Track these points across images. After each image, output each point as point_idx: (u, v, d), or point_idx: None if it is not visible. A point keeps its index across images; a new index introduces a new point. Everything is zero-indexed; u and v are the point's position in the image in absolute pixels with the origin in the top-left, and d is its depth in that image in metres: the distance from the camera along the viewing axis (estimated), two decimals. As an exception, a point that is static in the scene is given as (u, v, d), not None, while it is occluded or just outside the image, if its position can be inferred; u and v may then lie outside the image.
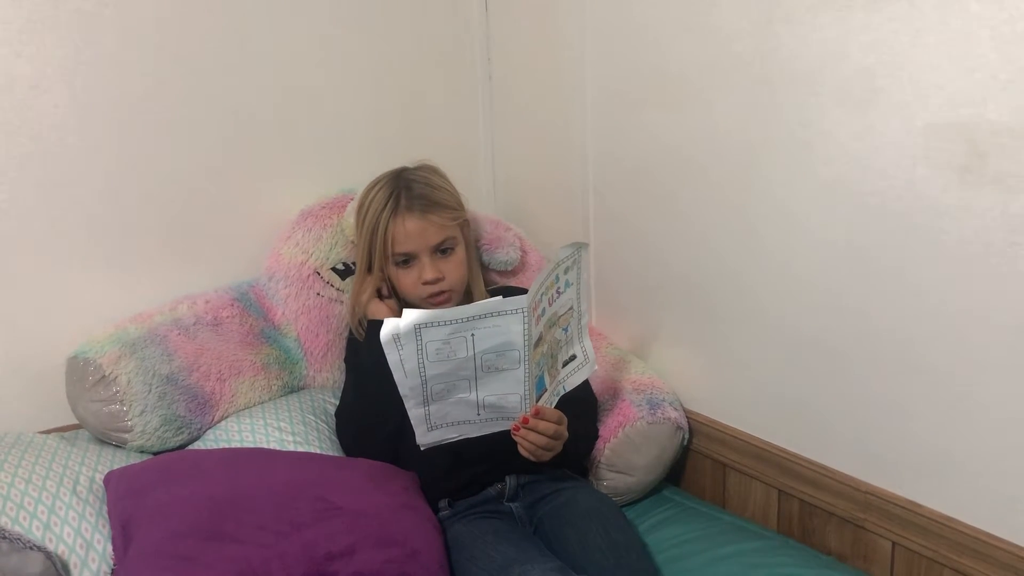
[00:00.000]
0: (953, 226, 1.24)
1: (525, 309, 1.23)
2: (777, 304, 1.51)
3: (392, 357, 1.23)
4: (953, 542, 1.32)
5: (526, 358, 1.27)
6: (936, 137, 1.23)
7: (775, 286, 1.50)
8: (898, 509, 1.39)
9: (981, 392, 1.25)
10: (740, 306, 1.58)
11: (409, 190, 1.55)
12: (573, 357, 1.43)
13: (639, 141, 1.70)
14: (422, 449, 1.35)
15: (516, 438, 1.36)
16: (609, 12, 1.71)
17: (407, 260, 1.55)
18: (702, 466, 1.74)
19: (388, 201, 1.53)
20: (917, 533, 1.37)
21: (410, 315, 1.21)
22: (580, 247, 1.37)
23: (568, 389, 1.42)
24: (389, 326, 1.21)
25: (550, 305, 1.33)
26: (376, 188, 1.57)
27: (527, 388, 1.30)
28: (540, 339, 1.31)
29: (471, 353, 1.25)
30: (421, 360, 1.24)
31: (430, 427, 1.32)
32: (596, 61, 1.76)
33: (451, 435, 1.35)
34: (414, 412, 1.30)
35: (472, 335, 1.24)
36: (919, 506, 1.36)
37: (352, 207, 1.73)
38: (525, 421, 1.33)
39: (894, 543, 1.41)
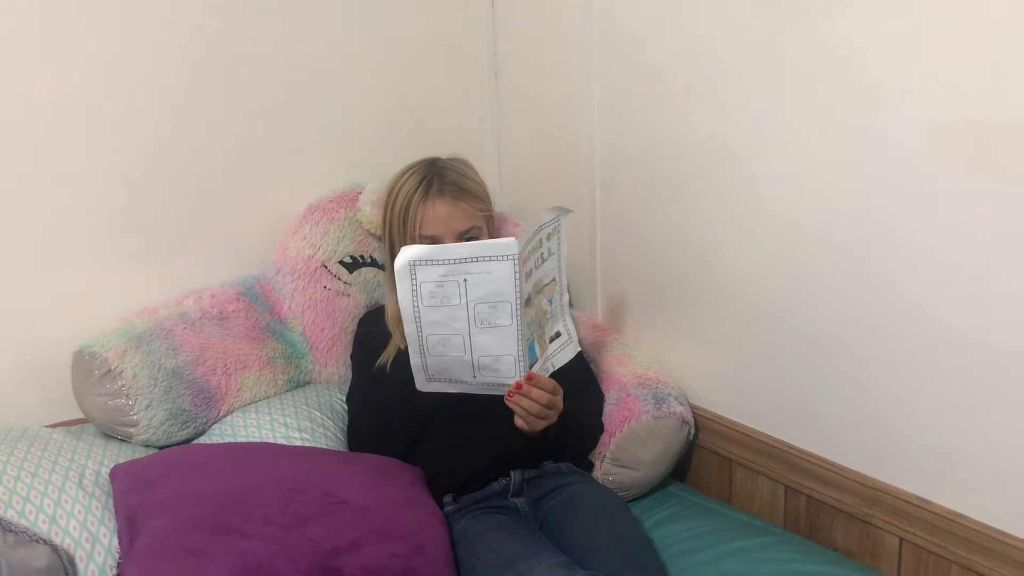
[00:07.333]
0: (961, 224, 1.23)
1: (515, 257, 1.24)
2: (783, 300, 1.50)
3: (401, 289, 1.28)
4: (961, 538, 1.31)
5: (518, 312, 1.28)
6: (944, 136, 1.23)
7: (781, 282, 1.50)
8: (906, 505, 1.38)
9: (989, 388, 1.25)
10: (746, 302, 1.57)
11: (442, 176, 1.56)
12: (558, 334, 1.45)
13: (646, 137, 1.70)
14: (419, 389, 1.38)
15: (510, 404, 1.38)
16: (616, 7, 1.70)
17: (432, 244, 1.55)
18: (708, 462, 1.73)
19: (420, 185, 1.55)
20: (925, 529, 1.36)
21: (406, 251, 1.26)
22: (562, 211, 1.40)
23: (556, 367, 1.44)
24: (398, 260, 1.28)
25: (536, 268, 1.35)
26: (408, 173, 1.59)
27: (520, 350, 1.31)
28: (529, 300, 1.33)
29: (463, 300, 1.27)
30: (416, 303, 1.27)
31: (428, 378, 1.36)
32: (603, 57, 1.75)
33: (449, 388, 1.38)
34: (413, 359, 1.34)
35: (465, 280, 1.26)
36: (927, 502, 1.36)
37: (365, 198, 1.74)
38: (519, 387, 1.34)
39: (902, 539, 1.40)
